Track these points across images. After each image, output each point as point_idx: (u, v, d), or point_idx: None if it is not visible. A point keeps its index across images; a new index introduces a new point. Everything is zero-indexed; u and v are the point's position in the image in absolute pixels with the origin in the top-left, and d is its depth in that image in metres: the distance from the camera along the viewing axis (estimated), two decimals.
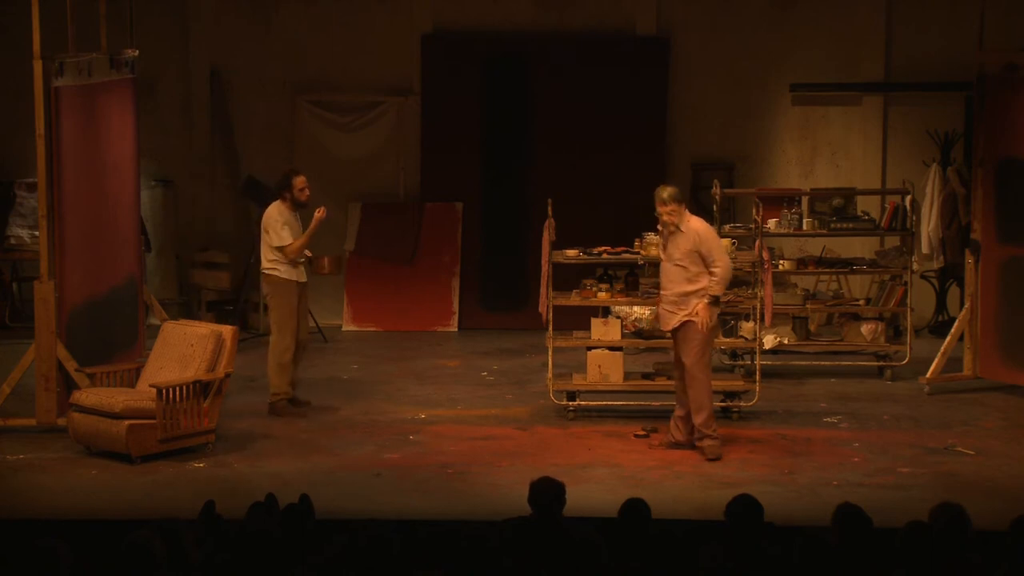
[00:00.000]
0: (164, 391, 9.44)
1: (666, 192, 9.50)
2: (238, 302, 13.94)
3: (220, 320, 12.89)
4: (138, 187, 11.79)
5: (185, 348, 9.91)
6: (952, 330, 11.67)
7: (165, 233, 14.56)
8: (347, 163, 14.60)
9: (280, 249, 10.65)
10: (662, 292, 9.68)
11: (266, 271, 10.80)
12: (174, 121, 14.57)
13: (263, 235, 10.83)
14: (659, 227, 9.64)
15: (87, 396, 9.66)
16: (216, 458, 9.62)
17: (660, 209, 9.48)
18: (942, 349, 11.51)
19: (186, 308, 14.25)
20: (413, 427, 10.44)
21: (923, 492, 8.66)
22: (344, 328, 14.31)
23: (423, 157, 14.63)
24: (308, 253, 10.94)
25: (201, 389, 9.68)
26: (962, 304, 11.92)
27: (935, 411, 10.92)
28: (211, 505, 6.39)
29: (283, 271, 10.70)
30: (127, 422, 9.40)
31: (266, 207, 14.32)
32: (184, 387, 9.56)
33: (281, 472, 9.20)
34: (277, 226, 10.67)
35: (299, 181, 10.72)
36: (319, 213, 10.76)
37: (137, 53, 11.46)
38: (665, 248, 9.63)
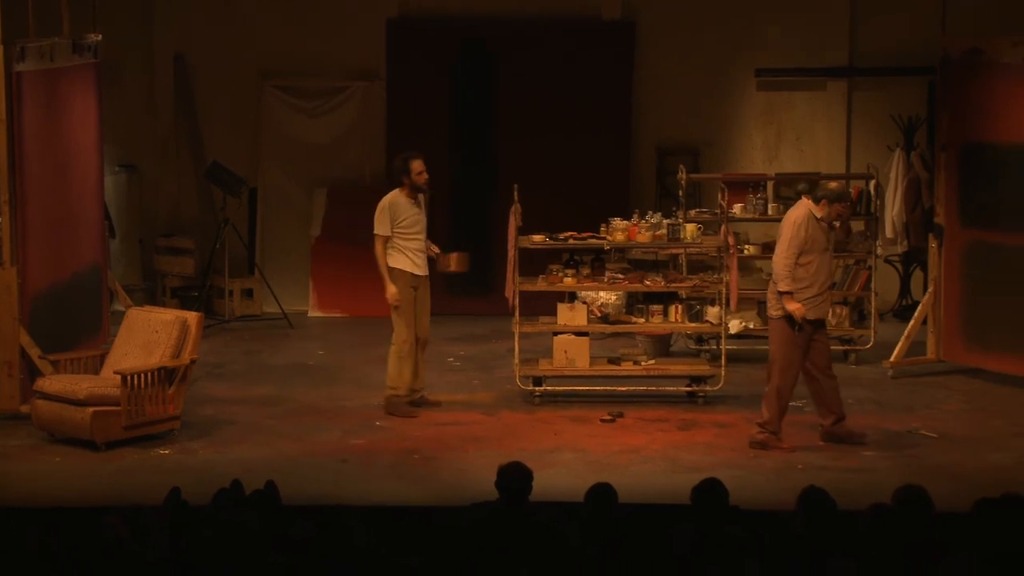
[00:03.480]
0: (129, 378, 9.40)
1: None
2: (203, 288, 13.88)
3: (185, 306, 12.82)
4: (102, 172, 11.70)
5: (150, 334, 9.86)
6: (916, 314, 11.73)
7: (129, 219, 14.45)
8: (313, 148, 14.52)
9: (375, 236, 10.14)
10: (821, 284, 9.46)
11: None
12: (138, 106, 14.45)
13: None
14: (819, 224, 9.36)
15: (51, 383, 9.61)
16: (181, 445, 9.59)
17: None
18: (906, 333, 11.58)
19: (150, 294, 14.16)
20: (379, 413, 10.42)
21: (887, 475, 8.72)
22: (310, 314, 14.25)
23: (389, 142, 14.56)
24: (435, 248, 10.45)
25: (166, 376, 9.65)
26: (926, 288, 11.99)
27: (899, 394, 10.99)
28: (177, 492, 6.38)
29: (397, 260, 10.17)
30: (91, 409, 9.36)
31: (231, 192, 14.18)
32: (149, 374, 9.53)
33: (247, 458, 9.18)
34: (383, 216, 10.09)
35: (417, 165, 10.06)
36: (438, 256, 10.37)
37: (100, 37, 11.38)
38: (821, 241, 9.41)
